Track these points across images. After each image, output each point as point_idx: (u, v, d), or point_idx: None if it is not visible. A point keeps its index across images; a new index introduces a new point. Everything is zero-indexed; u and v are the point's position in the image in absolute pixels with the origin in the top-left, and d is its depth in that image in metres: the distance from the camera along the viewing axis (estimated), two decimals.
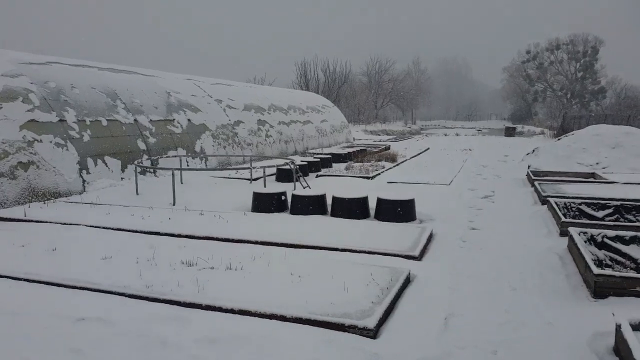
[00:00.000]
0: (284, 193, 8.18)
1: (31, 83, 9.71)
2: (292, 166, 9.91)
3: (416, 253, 5.32)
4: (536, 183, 9.63)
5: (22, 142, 8.65)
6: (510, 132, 36.97)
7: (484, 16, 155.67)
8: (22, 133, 8.75)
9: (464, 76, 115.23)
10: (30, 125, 8.96)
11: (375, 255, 5.32)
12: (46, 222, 6.80)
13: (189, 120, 13.73)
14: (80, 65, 12.17)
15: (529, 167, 12.65)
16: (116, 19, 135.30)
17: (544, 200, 8.19)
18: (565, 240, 5.73)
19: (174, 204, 8.35)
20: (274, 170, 11.80)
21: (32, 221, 6.89)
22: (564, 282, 4.60)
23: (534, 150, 15.37)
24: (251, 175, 11.21)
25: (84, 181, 9.47)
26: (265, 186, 9.71)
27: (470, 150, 21.29)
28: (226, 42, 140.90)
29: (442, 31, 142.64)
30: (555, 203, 7.27)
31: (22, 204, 8.10)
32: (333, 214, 7.52)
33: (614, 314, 3.24)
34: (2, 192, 7.95)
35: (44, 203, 8.13)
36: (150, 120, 12.31)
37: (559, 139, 15.74)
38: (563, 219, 6.34)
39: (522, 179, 11.85)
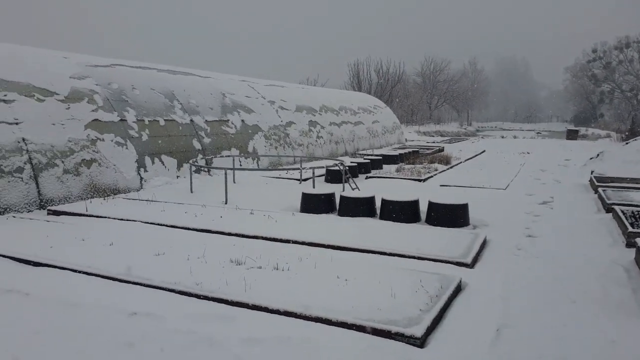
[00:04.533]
0: (332, 194, 8.15)
1: (96, 85, 10.22)
2: (341, 167, 9.87)
3: (468, 260, 5.13)
4: (600, 189, 9.08)
5: (86, 141, 9.13)
6: (572, 135, 35.07)
7: (545, 13, 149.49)
8: (87, 132, 9.23)
9: (523, 76, 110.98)
10: (94, 125, 9.45)
11: (425, 261, 5.18)
12: (105, 217, 7.13)
13: (242, 120, 14.01)
14: (140, 67, 12.68)
15: (592, 172, 11.94)
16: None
17: (608, 208, 7.70)
18: (633, 251, 5.34)
19: (226, 203, 8.53)
20: (324, 171, 11.81)
21: (92, 216, 7.24)
22: (630, 297, 4.28)
23: (598, 155, 14.52)
24: (301, 175, 11.27)
25: (141, 179, 9.86)
26: (314, 187, 9.73)
27: (528, 153, 20.43)
28: (282, 44, 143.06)
29: (501, 30, 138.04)
30: (622, 211, 6.81)
31: (84, 199, 8.56)
32: (382, 217, 7.41)
33: None
34: (67, 187, 8.42)
35: (104, 199, 8.53)
36: (206, 120, 12.65)
37: (627, 143, 14.80)
38: (630, 228, 5.91)
39: (585, 184, 11.22)
